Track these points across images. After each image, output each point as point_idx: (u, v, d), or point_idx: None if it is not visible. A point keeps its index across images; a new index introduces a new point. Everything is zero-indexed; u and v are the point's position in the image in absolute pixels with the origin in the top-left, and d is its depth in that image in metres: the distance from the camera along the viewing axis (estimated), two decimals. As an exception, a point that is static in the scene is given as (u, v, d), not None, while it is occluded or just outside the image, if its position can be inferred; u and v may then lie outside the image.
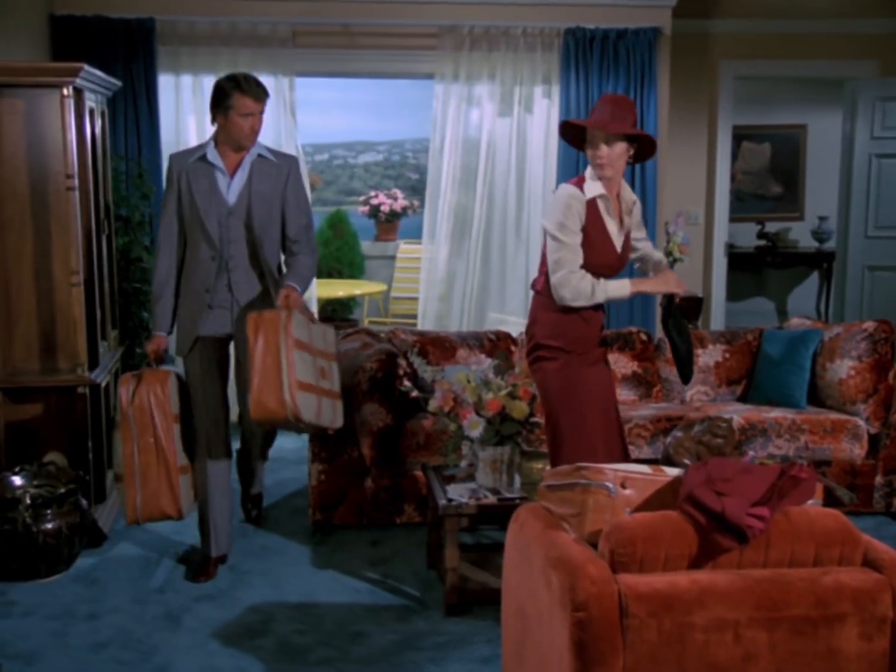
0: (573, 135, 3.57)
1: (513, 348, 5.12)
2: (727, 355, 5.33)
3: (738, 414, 4.85)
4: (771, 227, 9.65)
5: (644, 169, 6.27)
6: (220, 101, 3.71)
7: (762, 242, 9.57)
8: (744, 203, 9.69)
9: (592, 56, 6.19)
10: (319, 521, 4.58)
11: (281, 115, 6.12)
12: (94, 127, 4.68)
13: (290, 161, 3.99)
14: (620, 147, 3.42)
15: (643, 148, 3.51)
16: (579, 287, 3.46)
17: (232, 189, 3.84)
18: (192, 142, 6.11)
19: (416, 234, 8.18)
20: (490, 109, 6.32)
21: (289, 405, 3.51)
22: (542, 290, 3.58)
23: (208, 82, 6.01)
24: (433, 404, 4.04)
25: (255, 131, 3.78)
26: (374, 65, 6.32)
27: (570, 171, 6.03)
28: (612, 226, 3.50)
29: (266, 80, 5.95)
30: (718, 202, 7.22)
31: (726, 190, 7.26)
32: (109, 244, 5.08)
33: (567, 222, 3.41)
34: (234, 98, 3.69)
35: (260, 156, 3.90)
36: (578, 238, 3.43)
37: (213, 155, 3.83)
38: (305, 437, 5.70)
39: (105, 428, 4.65)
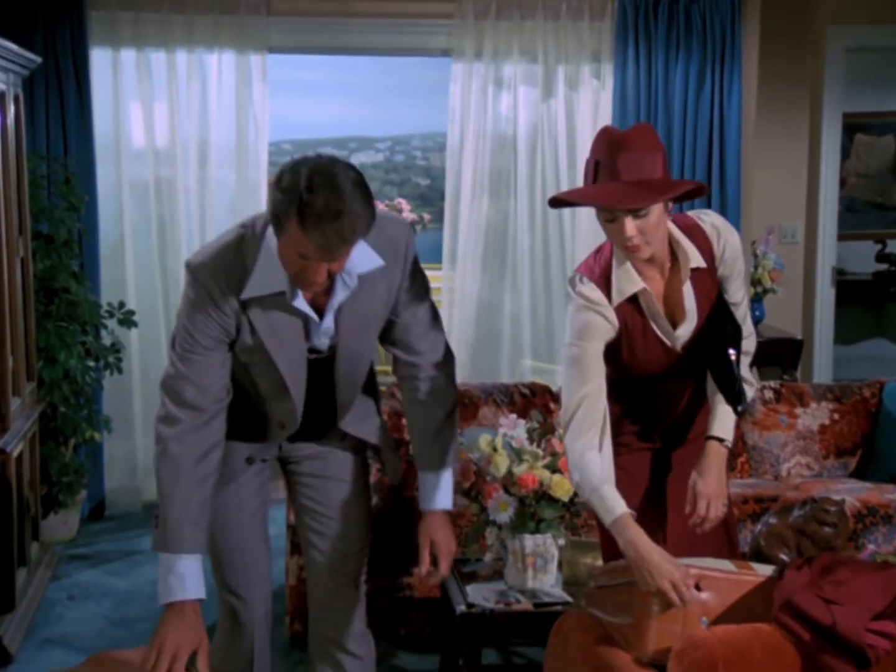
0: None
1: (552, 405, 5.10)
2: (836, 416, 5.30)
3: (851, 494, 4.81)
4: (894, 246, 9.62)
5: (724, 172, 6.27)
6: (275, 214, 2.70)
7: (882, 267, 9.53)
8: (858, 215, 9.66)
9: (657, 25, 6.22)
10: (299, 634, 4.54)
11: (250, 104, 6.17)
12: (6, 116, 4.72)
13: (400, 238, 3.03)
14: (657, 211, 2.94)
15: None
16: (572, 448, 3.02)
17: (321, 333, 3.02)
18: (135, 136, 6.16)
19: (426, 257, 8.17)
20: (525, 95, 6.37)
21: None
22: None
23: (157, 59, 6.10)
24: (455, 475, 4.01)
25: (314, 283, 2.80)
26: (373, 38, 6.38)
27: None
28: (661, 321, 3.14)
29: (231, 57, 6.14)
30: (823, 214, 7.19)
31: (834, 198, 7.24)
32: (25, 270, 5.10)
33: (585, 357, 3.05)
34: (290, 227, 2.68)
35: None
36: (599, 352, 3.09)
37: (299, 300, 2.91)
38: (281, 521, 5.70)
39: (16, 512, 4.64)
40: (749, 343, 3.29)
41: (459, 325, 6.50)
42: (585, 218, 6.38)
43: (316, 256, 2.69)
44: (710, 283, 3.16)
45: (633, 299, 3.09)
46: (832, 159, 7.19)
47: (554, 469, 3.87)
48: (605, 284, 3.08)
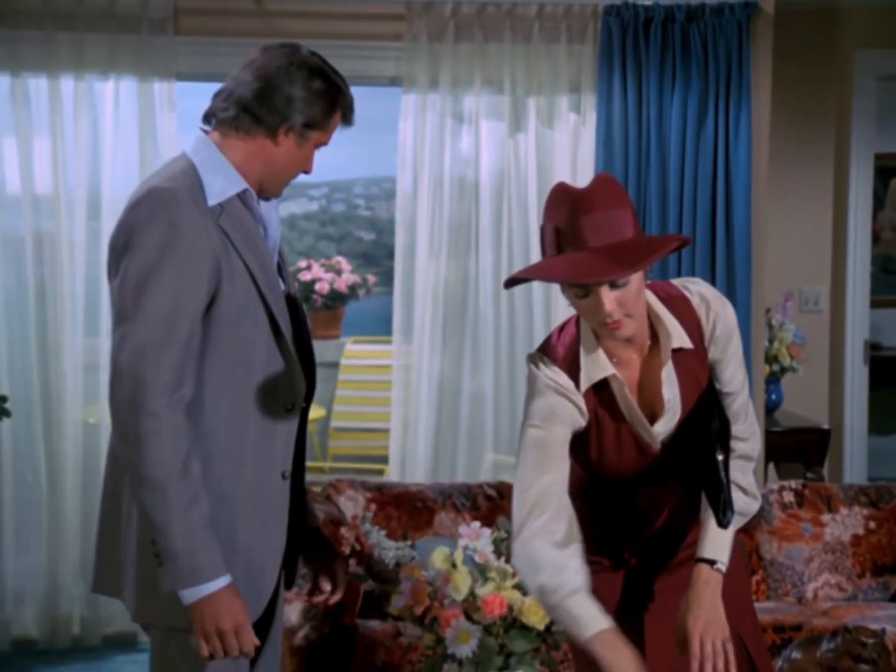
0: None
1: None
2: (872, 525, 5.29)
3: (893, 623, 4.78)
4: (938, 316, 9.68)
5: (730, 225, 6.27)
6: (305, 107, 3.08)
7: (925, 340, 9.58)
8: (894, 277, 9.73)
9: (648, 48, 6.25)
10: None
11: (154, 142, 6.15)
12: None
13: None
14: (637, 279, 2.96)
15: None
16: (531, 544, 3.01)
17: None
18: (9, 180, 6.11)
19: (371, 328, 8.16)
20: (490, 133, 6.37)
21: None
22: None
23: (37, 86, 6.07)
24: (397, 602, 3.99)
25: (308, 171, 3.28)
26: (305, 63, 6.40)
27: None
28: (635, 415, 3.12)
29: (130, 85, 6.11)
30: (852, 276, 7.23)
31: (866, 256, 7.27)
32: None
33: (550, 439, 3.07)
34: (336, 115, 3.14)
35: None
36: (567, 438, 3.11)
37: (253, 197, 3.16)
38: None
39: None
40: (750, 445, 3.24)
41: (417, 413, 6.41)
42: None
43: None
44: (697, 367, 3.13)
45: (604, 386, 3.08)
46: (862, 210, 7.23)
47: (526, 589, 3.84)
48: (573, 368, 3.07)
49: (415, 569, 4.02)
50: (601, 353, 3.05)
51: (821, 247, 7.14)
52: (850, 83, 7.14)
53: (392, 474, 6.39)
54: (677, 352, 3.08)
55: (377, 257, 10.56)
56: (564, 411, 3.05)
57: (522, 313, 6.44)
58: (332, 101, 3.05)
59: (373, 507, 5.11)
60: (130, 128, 6.14)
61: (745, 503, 3.19)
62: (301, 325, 3.20)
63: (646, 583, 3.25)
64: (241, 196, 3.04)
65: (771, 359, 6.76)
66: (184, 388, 2.93)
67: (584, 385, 3.05)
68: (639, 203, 6.11)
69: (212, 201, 2.97)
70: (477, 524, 4.49)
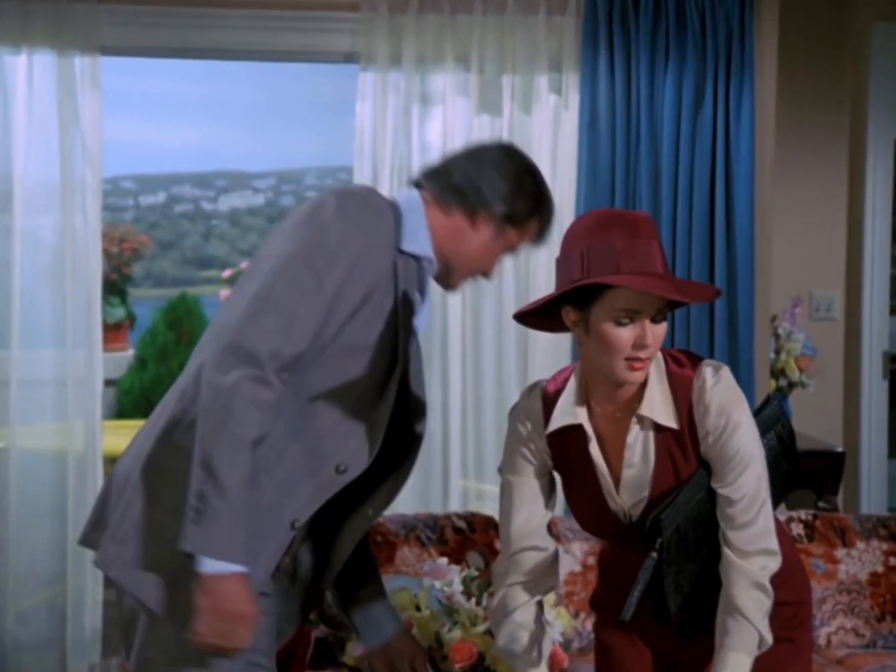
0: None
1: (498, 545, 5.06)
2: (892, 561, 5.30)
3: (916, 671, 4.82)
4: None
5: (731, 222, 6.26)
6: (510, 198, 3.47)
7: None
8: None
9: (638, 21, 6.24)
10: None
11: (76, 125, 6.11)
12: None
13: None
14: (665, 322, 3.14)
15: None
16: (497, 597, 3.33)
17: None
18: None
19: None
20: (460, 117, 6.35)
21: None
22: None
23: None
24: (353, 650, 3.99)
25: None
26: (248, 36, 6.35)
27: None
28: (602, 474, 3.19)
29: (48, 60, 6.06)
30: (869, 279, 7.24)
31: (885, 256, 7.28)
32: None
33: (518, 489, 3.29)
34: (534, 221, 3.50)
35: None
36: (537, 488, 3.30)
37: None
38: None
39: None
40: (752, 572, 3.11)
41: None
42: (548, 280, 6.35)
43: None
44: (678, 453, 3.15)
45: (578, 430, 3.17)
46: (881, 203, 7.25)
47: (500, 636, 3.84)
48: (552, 406, 3.21)
49: (373, 612, 4.01)
50: (581, 398, 3.17)
51: (833, 246, 7.15)
52: (866, 61, 7.16)
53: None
54: (661, 430, 3.14)
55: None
56: (526, 463, 3.24)
57: (491, 327, 6.42)
58: (536, 204, 3.44)
59: (326, 542, 5.08)
60: (48, 108, 6.07)
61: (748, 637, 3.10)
62: (409, 418, 3.46)
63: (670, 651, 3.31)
64: (420, 265, 3.41)
65: (777, 373, 6.76)
66: (294, 373, 3.20)
67: (551, 427, 3.18)
68: (628, 197, 6.10)
69: (403, 246, 3.35)
70: (444, 561, 4.49)
